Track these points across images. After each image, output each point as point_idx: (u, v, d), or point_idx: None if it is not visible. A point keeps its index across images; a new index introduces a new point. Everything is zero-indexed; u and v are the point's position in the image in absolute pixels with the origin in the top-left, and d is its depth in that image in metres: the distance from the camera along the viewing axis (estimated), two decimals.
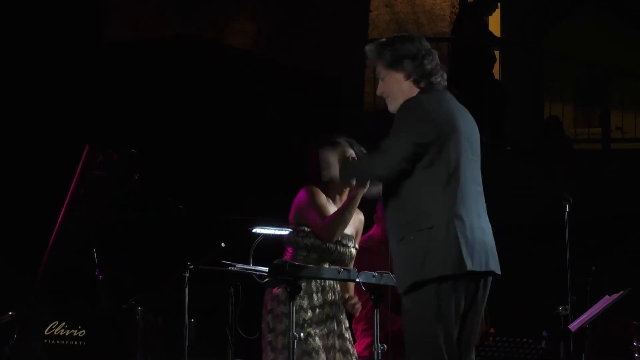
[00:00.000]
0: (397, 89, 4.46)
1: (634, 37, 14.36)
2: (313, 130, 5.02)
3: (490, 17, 11.23)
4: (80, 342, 6.05)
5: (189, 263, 6.02)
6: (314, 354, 5.46)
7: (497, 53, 11.12)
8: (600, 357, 7.38)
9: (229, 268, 5.34)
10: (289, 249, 5.62)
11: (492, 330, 7.34)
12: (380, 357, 5.17)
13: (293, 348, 4.88)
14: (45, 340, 6.07)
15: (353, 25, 10.89)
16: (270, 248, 5.60)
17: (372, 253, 6.10)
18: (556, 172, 9.93)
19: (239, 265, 5.27)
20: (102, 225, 6.50)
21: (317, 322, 5.53)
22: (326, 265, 5.55)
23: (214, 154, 9.03)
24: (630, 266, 9.11)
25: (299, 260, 5.50)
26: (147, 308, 6.20)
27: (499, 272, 4.39)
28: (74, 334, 6.06)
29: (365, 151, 5.44)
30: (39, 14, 8.93)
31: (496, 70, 11.29)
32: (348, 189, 5.66)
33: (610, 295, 6.86)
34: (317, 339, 5.50)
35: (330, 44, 10.53)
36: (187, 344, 6.04)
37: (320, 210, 5.55)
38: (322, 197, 5.61)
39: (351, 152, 5.45)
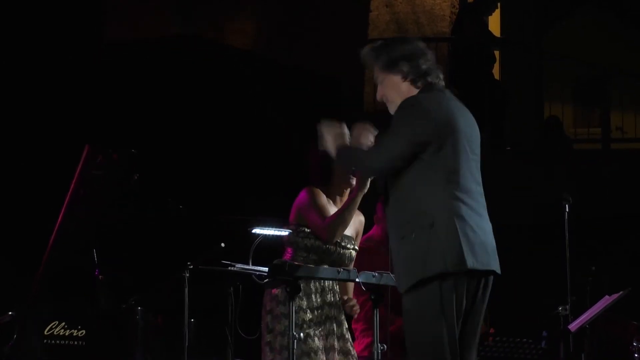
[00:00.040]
0: (395, 91, 4.47)
1: (634, 37, 14.36)
2: (313, 130, 5.01)
3: (490, 17, 11.24)
4: (80, 342, 6.05)
5: (188, 263, 6.01)
6: (312, 355, 5.46)
7: (497, 53, 11.12)
8: (600, 357, 7.38)
9: (229, 268, 5.34)
10: (289, 250, 5.62)
11: (492, 330, 7.35)
12: (380, 357, 5.17)
13: (293, 348, 4.88)
14: (45, 340, 6.06)
15: (353, 25, 10.89)
16: (270, 248, 5.60)
17: (371, 253, 6.11)
18: (556, 172, 9.93)
19: (239, 265, 5.27)
20: (102, 225, 6.50)
21: (316, 323, 5.53)
22: (326, 266, 5.55)
23: (214, 154, 9.03)
24: (630, 266, 9.11)
25: (299, 260, 5.51)
26: (147, 308, 6.20)
27: (499, 271, 4.40)
28: (74, 334, 6.06)
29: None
30: (39, 14, 8.93)
31: (496, 71, 11.29)
32: (348, 190, 5.67)
33: (610, 295, 6.86)
34: (316, 339, 5.50)
35: (330, 44, 10.53)
36: (186, 344, 6.04)
37: (320, 211, 5.55)
38: (323, 198, 5.61)
39: (346, 132, 5.29)
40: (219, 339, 6.15)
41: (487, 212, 4.41)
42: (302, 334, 5.18)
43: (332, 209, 5.62)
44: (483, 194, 4.43)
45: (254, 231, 5.54)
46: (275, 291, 5.52)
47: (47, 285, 6.31)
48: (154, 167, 7.06)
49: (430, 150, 4.30)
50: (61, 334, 6.05)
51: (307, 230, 5.57)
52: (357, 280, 5.04)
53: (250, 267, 5.27)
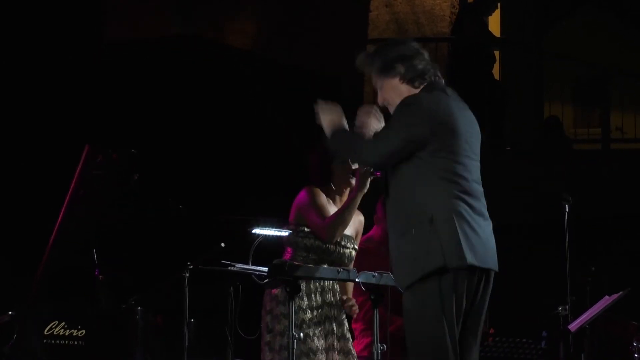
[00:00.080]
0: (395, 93, 4.47)
1: (634, 37, 14.35)
2: (313, 130, 5.01)
3: (490, 17, 11.23)
4: (80, 342, 6.05)
5: (188, 263, 6.01)
6: (311, 355, 5.46)
7: (496, 53, 11.12)
8: (600, 358, 7.38)
9: (229, 268, 5.34)
10: (289, 249, 5.63)
11: (491, 331, 7.34)
12: (379, 357, 5.17)
13: (293, 348, 4.89)
14: (44, 340, 6.06)
15: (353, 25, 10.88)
16: (270, 248, 5.60)
17: (371, 254, 6.11)
18: (556, 172, 9.92)
19: (239, 265, 5.27)
20: (102, 225, 6.50)
21: (316, 322, 5.53)
22: (325, 266, 5.56)
23: (214, 154, 9.03)
24: (630, 266, 9.10)
25: (299, 260, 5.51)
26: (146, 308, 6.20)
27: (496, 269, 4.40)
28: (74, 334, 6.05)
29: None
30: (39, 14, 8.93)
31: (496, 71, 11.28)
32: (348, 190, 5.68)
33: (609, 295, 6.86)
34: (315, 339, 5.50)
35: (330, 44, 10.52)
36: (186, 344, 6.04)
37: (320, 210, 5.56)
38: (323, 198, 5.62)
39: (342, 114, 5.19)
40: (218, 339, 6.15)
41: (487, 212, 4.42)
42: (301, 334, 5.19)
43: (332, 209, 5.62)
44: (483, 194, 4.43)
45: (253, 231, 5.54)
46: (275, 291, 5.52)
47: (47, 285, 6.31)
48: (154, 167, 7.06)
49: (429, 149, 4.30)
50: (61, 333, 6.05)
51: (306, 229, 5.58)
52: (356, 280, 5.04)
53: (250, 267, 5.27)
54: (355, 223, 5.75)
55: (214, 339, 6.26)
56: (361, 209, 5.74)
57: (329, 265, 5.57)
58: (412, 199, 4.32)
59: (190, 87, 9.33)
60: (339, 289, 5.69)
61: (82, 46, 9.10)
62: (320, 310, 5.57)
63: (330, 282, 5.60)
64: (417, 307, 4.29)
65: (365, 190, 5.48)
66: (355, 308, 5.71)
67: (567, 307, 6.90)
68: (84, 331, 6.05)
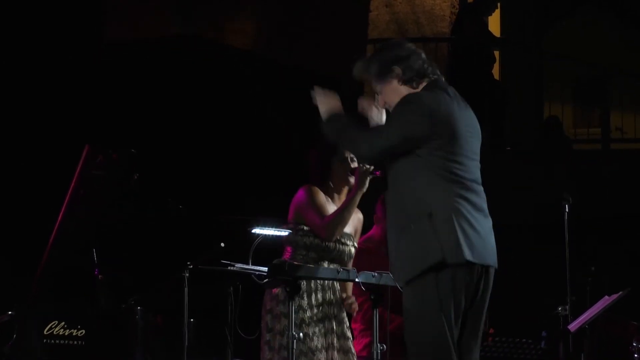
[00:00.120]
0: (396, 94, 4.47)
1: (634, 37, 14.35)
2: (313, 130, 5.01)
3: (490, 17, 11.23)
4: (80, 342, 6.05)
5: (188, 263, 6.01)
6: (310, 354, 5.46)
7: (496, 53, 11.12)
8: (600, 358, 7.38)
9: (229, 268, 5.34)
10: (288, 249, 5.63)
11: (491, 331, 7.34)
12: (379, 357, 5.17)
13: (292, 348, 4.89)
14: (44, 340, 6.06)
15: (353, 25, 10.88)
16: (270, 248, 5.60)
17: (370, 254, 6.10)
18: (556, 172, 9.92)
19: (239, 265, 5.27)
20: (102, 225, 6.50)
21: (316, 321, 5.53)
22: (325, 264, 5.57)
23: (214, 154, 9.03)
24: (630, 266, 9.11)
25: (298, 259, 5.51)
26: (146, 308, 6.20)
27: (496, 266, 4.40)
28: (74, 334, 6.05)
29: None
30: (39, 14, 8.93)
31: (496, 71, 11.28)
32: (347, 188, 5.68)
33: (609, 295, 6.86)
34: (315, 338, 5.50)
35: (330, 44, 10.52)
36: (186, 344, 6.04)
37: (319, 209, 5.56)
38: (321, 197, 5.62)
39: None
40: (218, 339, 6.15)
41: (487, 209, 4.42)
42: (301, 334, 5.19)
43: (331, 207, 5.62)
44: (483, 193, 4.43)
45: (253, 231, 5.54)
46: (276, 290, 5.52)
47: (46, 285, 6.31)
48: (154, 167, 7.06)
49: (428, 147, 4.30)
50: (61, 333, 6.05)
51: (305, 228, 5.58)
52: (356, 280, 5.04)
53: (250, 267, 5.27)
54: (354, 221, 5.75)
55: (213, 338, 6.26)
56: (361, 208, 5.74)
57: (329, 262, 5.58)
58: (411, 195, 4.32)
59: (190, 87, 9.33)
60: (339, 287, 5.69)
61: (82, 46, 9.10)
62: (320, 309, 5.57)
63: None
64: (416, 306, 4.28)
65: (365, 189, 5.48)
66: (355, 306, 5.71)
67: (567, 307, 6.90)
68: (83, 331, 6.05)
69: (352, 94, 4.76)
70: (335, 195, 5.70)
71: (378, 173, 4.95)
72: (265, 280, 5.10)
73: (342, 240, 5.63)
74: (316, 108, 4.67)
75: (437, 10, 11.08)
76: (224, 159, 9.01)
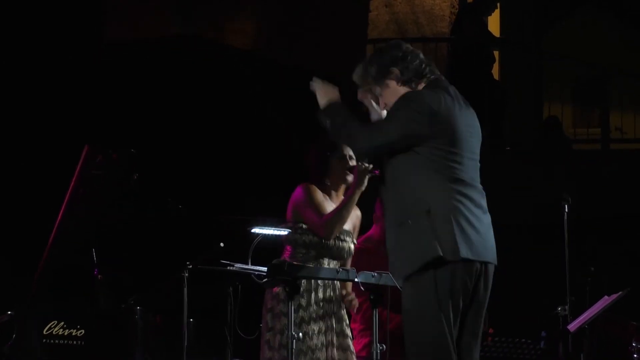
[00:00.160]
0: (395, 97, 4.46)
1: (633, 37, 14.36)
2: (313, 130, 5.02)
3: (489, 17, 11.23)
4: (79, 342, 6.05)
5: (188, 263, 6.02)
6: (310, 353, 5.47)
7: (496, 53, 11.12)
8: (599, 358, 7.38)
9: (228, 268, 5.35)
10: (288, 247, 5.63)
11: (490, 331, 7.34)
12: (379, 357, 5.17)
13: (292, 348, 4.89)
14: (44, 340, 6.06)
15: (353, 25, 10.88)
16: (269, 248, 5.60)
17: (370, 254, 6.10)
18: (555, 172, 9.93)
19: (238, 265, 5.27)
20: (101, 224, 6.50)
21: (316, 318, 5.53)
22: (326, 260, 5.57)
23: (214, 154, 9.03)
24: (630, 266, 9.11)
25: (298, 257, 5.52)
26: (146, 308, 6.20)
27: (495, 263, 4.40)
28: (73, 334, 6.06)
29: None
30: (39, 14, 8.93)
31: (495, 71, 11.29)
32: (344, 186, 5.68)
33: (609, 295, 6.86)
34: (314, 337, 5.51)
35: (330, 44, 10.52)
36: (186, 344, 6.04)
37: (317, 208, 5.56)
38: (319, 195, 5.62)
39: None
40: (218, 339, 6.16)
41: (486, 206, 4.41)
42: (300, 334, 5.19)
43: (328, 205, 5.62)
44: (482, 191, 4.43)
45: (253, 231, 5.54)
46: (277, 289, 5.52)
47: (46, 285, 6.31)
48: (154, 167, 7.06)
49: (427, 145, 4.31)
50: (60, 333, 6.05)
51: (304, 226, 5.57)
52: (356, 280, 5.04)
53: (250, 266, 5.28)
54: (353, 217, 5.74)
55: (213, 338, 6.26)
56: (360, 207, 5.73)
57: (329, 259, 5.58)
58: (409, 193, 4.32)
59: (190, 87, 9.33)
60: (339, 285, 5.69)
61: (82, 46, 9.09)
62: (320, 306, 5.57)
63: None
64: (416, 306, 4.28)
65: (363, 188, 5.48)
66: (356, 302, 5.70)
67: (567, 307, 6.90)
68: (83, 331, 6.05)
69: (352, 94, 4.75)
70: (333, 193, 5.70)
71: (377, 172, 4.95)
72: (264, 280, 5.10)
73: (342, 237, 5.63)
74: (316, 107, 4.66)
75: (436, 10, 11.08)
76: (224, 159, 9.01)
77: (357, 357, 5.82)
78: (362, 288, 5.14)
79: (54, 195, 6.56)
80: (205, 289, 6.25)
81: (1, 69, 8.50)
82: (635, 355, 7.05)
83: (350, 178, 5.61)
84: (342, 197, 5.65)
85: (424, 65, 4.48)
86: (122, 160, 6.50)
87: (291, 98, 9.56)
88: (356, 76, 4.59)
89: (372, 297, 5.16)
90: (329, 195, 5.68)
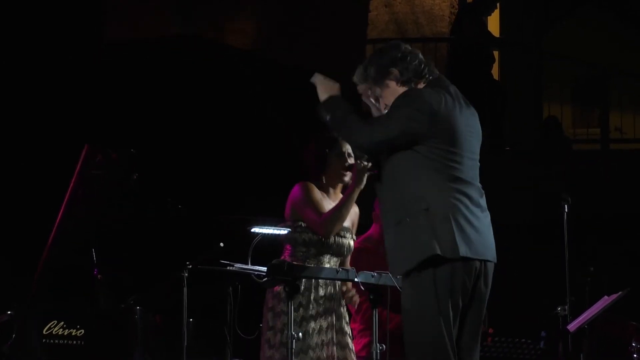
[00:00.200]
0: (395, 97, 4.46)
1: (633, 37, 14.36)
2: (313, 130, 5.02)
3: (489, 17, 11.23)
4: (79, 342, 6.05)
5: (187, 263, 6.02)
6: (310, 352, 5.47)
7: (496, 53, 11.12)
8: (599, 358, 7.37)
9: (228, 268, 5.34)
10: (288, 246, 5.62)
11: (490, 331, 7.34)
12: (379, 357, 5.17)
13: (292, 347, 4.89)
14: (43, 340, 6.07)
15: (353, 25, 10.89)
16: (269, 248, 5.60)
17: (369, 254, 6.10)
18: (555, 172, 9.93)
19: (238, 265, 5.27)
20: (101, 224, 6.51)
21: (316, 316, 5.53)
22: (326, 257, 5.57)
23: (214, 154, 9.03)
24: (630, 266, 9.11)
25: (299, 255, 5.52)
26: (145, 308, 6.20)
27: (495, 261, 4.40)
28: (73, 334, 6.06)
29: None
30: (39, 14, 8.93)
31: (495, 71, 11.29)
32: (341, 184, 5.68)
33: (609, 295, 6.86)
34: (315, 335, 5.51)
35: (330, 44, 10.52)
36: (185, 344, 6.05)
37: (316, 206, 5.55)
38: (317, 193, 5.61)
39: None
40: (217, 339, 6.16)
41: (485, 205, 4.41)
42: (300, 333, 5.18)
43: (326, 203, 5.61)
44: (481, 189, 4.43)
45: (252, 230, 5.54)
46: (278, 288, 5.51)
47: (46, 285, 6.31)
48: (154, 167, 7.06)
49: (426, 144, 4.31)
50: (60, 333, 6.06)
51: (303, 225, 5.57)
52: (355, 280, 5.03)
53: (249, 266, 5.27)
54: (352, 214, 5.72)
55: (212, 338, 6.27)
56: (359, 206, 5.73)
57: (329, 256, 5.58)
58: (408, 190, 4.32)
59: (190, 87, 9.33)
60: (339, 282, 5.68)
61: (82, 46, 9.10)
62: (321, 304, 5.57)
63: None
64: (415, 306, 4.28)
65: (362, 187, 5.47)
66: (356, 298, 5.69)
67: (566, 307, 6.90)
68: (83, 331, 6.06)
69: (352, 94, 4.75)
70: (331, 190, 5.69)
71: (376, 171, 4.95)
72: (264, 280, 5.10)
73: (341, 233, 5.63)
74: (315, 106, 4.66)
75: (436, 10, 11.08)
76: (224, 159, 9.01)
77: (357, 357, 5.81)
78: (362, 288, 5.14)
79: (54, 195, 6.56)
80: (205, 289, 6.25)
81: (1, 69, 8.50)
82: (635, 355, 7.05)
83: (347, 177, 5.60)
84: (339, 195, 5.64)
85: (423, 66, 4.49)
86: (122, 160, 6.51)
87: (291, 98, 9.57)
88: (356, 77, 4.59)
89: (371, 297, 5.15)
90: (327, 192, 5.67)
